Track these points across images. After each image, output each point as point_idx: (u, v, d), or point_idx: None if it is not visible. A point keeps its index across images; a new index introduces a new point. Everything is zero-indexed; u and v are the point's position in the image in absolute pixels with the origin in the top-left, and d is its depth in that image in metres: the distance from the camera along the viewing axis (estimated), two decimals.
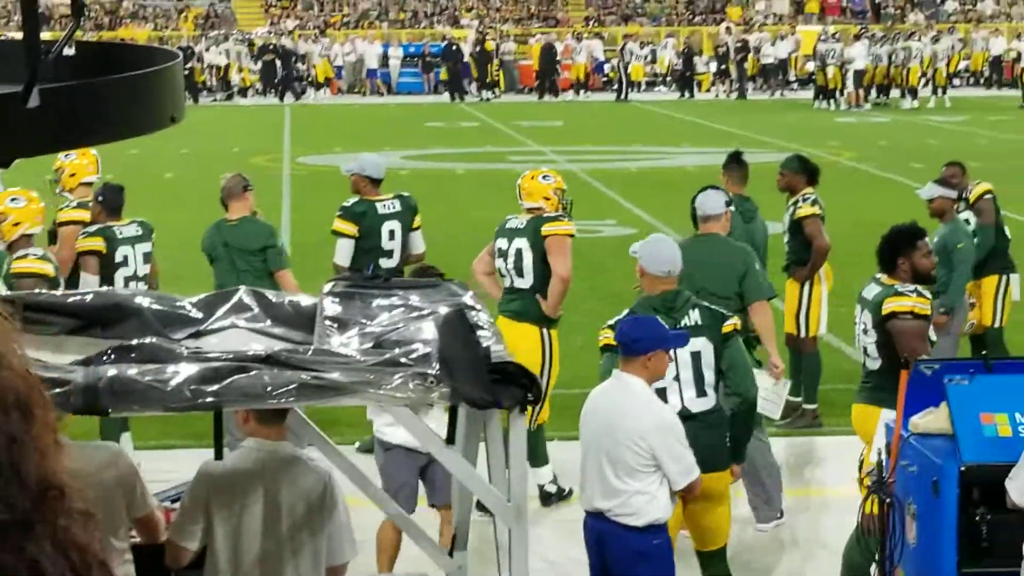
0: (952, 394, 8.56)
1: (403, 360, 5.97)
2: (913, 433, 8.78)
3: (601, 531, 8.26)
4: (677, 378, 9.13)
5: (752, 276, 11.31)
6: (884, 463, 8.85)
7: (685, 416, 8.80)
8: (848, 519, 9.27)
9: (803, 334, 13.89)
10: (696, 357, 9.13)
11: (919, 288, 9.94)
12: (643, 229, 23.98)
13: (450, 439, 6.26)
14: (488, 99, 55.77)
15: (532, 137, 40.88)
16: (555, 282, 11.84)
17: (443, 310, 6.49)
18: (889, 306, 9.84)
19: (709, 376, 9.17)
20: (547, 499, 12.12)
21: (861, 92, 51.23)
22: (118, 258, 12.61)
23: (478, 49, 56.69)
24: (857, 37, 53.16)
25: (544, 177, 12.33)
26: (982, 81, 59.13)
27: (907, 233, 10.26)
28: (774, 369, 11.50)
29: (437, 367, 5.95)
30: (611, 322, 9.16)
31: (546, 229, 11.90)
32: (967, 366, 8.89)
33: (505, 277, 12.04)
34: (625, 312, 9.26)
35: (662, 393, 8.87)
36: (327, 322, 6.58)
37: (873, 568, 8.89)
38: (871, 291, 10.08)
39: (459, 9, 65.67)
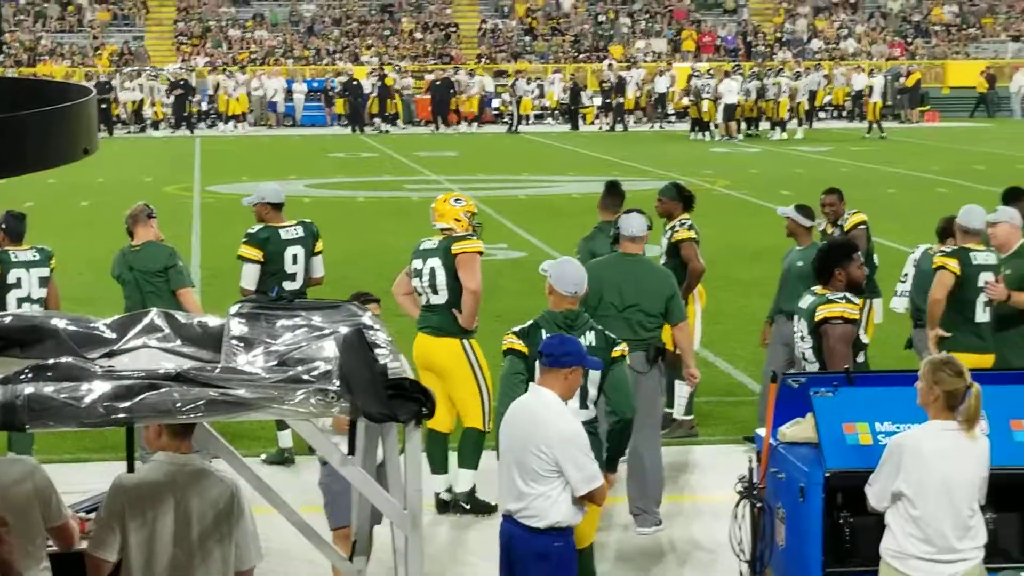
0: (817, 405, 8.63)
1: (305, 377, 5.98)
2: (782, 442, 8.86)
3: (510, 532, 8.26)
4: None
5: (677, 298, 11.73)
6: (755, 470, 8.92)
7: None
8: (721, 524, 9.32)
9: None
10: (584, 374, 9.17)
11: (848, 295, 10.22)
12: (532, 252, 24.07)
13: (350, 451, 6.26)
14: (387, 131, 55.71)
15: (428, 167, 40.88)
16: (467, 295, 11.92)
17: (343, 330, 6.48)
18: (821, 312, 10.13)
19: (592, 392, 9.24)
20: (443, 507, 12.11)
21: (733, 124, 51.68)
22: (11, 280, 12.65)
23: (379, 84, 56.69)
24: (727, 74, 53.60)
25: (456, 200, 12.42)
26: (844, 114, 59.77)
27: (843, 246, 10.72)
28: (691, 379, 12.12)
29: (337, 383, 5.96)
30: (516, 329, 9.23)
31: (456, 247, 11.97)
32: (831, 379, 8.97)
33: (422, 295, 12.08)
34: (530, 322, 9.29)
35: None
36: (234, 342, 6.56)
37: (744, 568, 8.94)
38: (806, 301, 10.39)
39: (360, 47, 65.58)
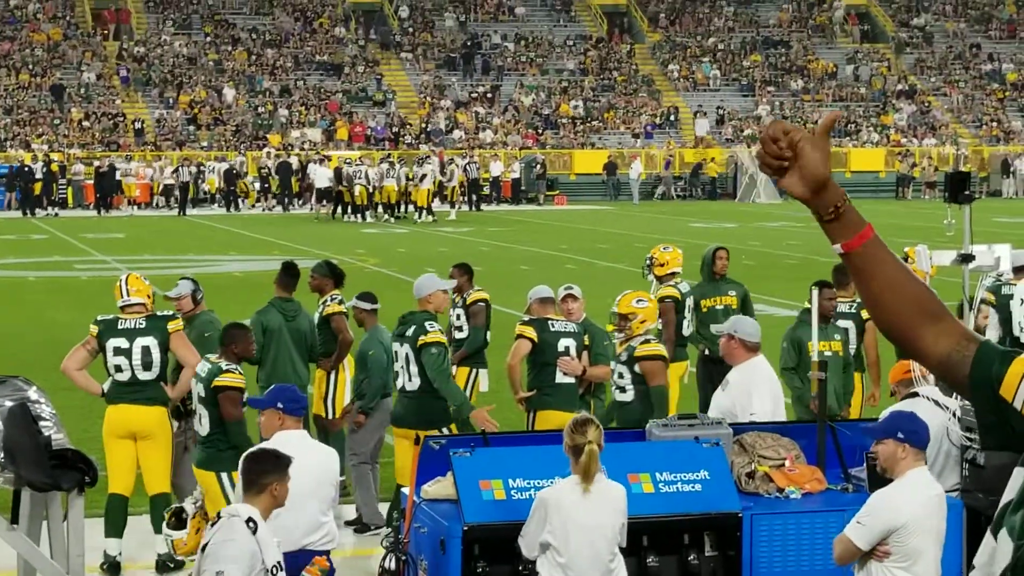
0: (456, 464, 8.72)
1: None
2: (424, 499, 8.92)
3: (301, 564, 8.54)
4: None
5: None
6: (400, 526, 8.96)
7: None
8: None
9: (330, 415, 13.89)
10: (407, 356, 11.55)
11: (238, 367, 10.83)
12: None
13: (14, 519, 6.09)
14: (56, 214, 54.40)
15: (96, 248, 40.01)
16: (188, 370, 11.71)
17: (8, 404, 6.30)
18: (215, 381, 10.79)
19: (414, 369, 11.48)
20: (114, 570, 11.72)
21: (323, 207, 51.59)
22: None
23: (46, 170, 55.50)
24: (320, 161, 54.22)
25: (145, 279, 12.40)
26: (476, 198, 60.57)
27: (237, 326, 11.29)
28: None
29: (1, 455, 5.80)
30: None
31: (172, 327, 11.91)
32: (469, 440, 9.08)
33: (124, 372, 11.80)
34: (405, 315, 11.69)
35: None
36: None
37: None
38: (203, 368, 10.89)
39: (31, 135, 63.96)
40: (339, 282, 14.20)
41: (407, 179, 52.56)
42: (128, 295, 12.17)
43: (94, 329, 11.96)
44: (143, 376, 11.83)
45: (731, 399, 10.24)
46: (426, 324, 11.58)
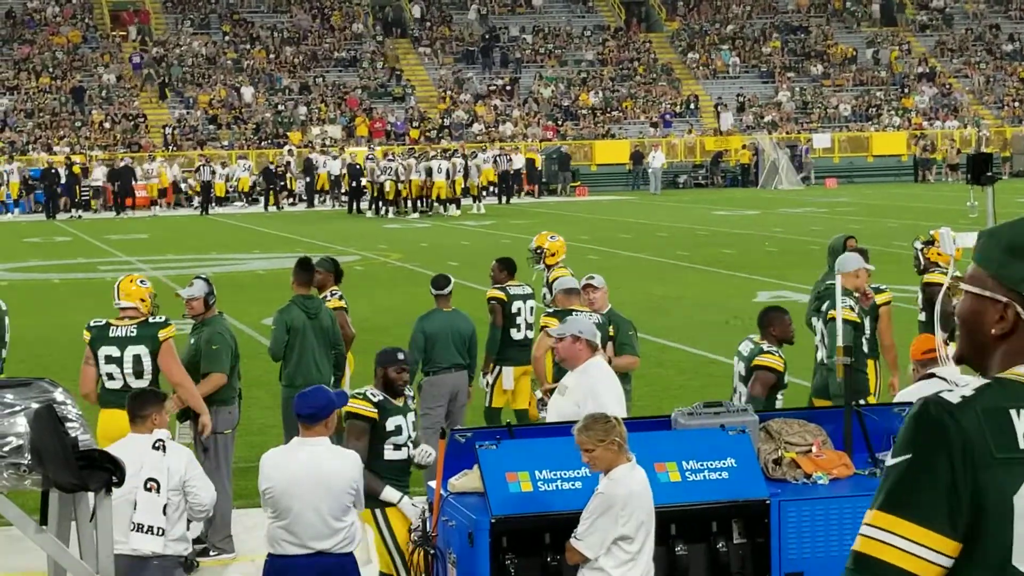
0: (482, 457, 8.71)
1: None
2: (451, 492, 8.91)
3: (325, 566, 8.59)
4: None
5: None
6: (427, 519, 8.96)
7: None
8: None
9: None
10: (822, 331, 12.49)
11: (778, 350, 11.39)
12: None
13: (43, 521, 6.10)
14: (80, 216, 54.55)
15: (120, 248, 40.11)
16: (183, 389, 11.65)
17: (35, 406, 6.32)
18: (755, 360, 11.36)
19: (828, 341, 12.25)
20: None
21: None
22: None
23: (70, 172, 55.62)
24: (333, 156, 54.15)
25: (141, 281, 12.03)
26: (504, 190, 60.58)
27: (775, 309, 11.81)
28: None
29: (29, 457, 5.82)
30: None
31: (163, 335, 11.56)
32: (494, 433, 9.08)
33: (116, 380, 11.54)
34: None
35: None
36: None
37: None
38: (745, 347, 11.56)
39: (52, 138, 64.15)
40: (339, 278, 14.40)
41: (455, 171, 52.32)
42: (119, 299, 11.79)
43: (87, 335, 11.67)
44: (135, 384, 11.43)
45: (575, 402, 9.76)
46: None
